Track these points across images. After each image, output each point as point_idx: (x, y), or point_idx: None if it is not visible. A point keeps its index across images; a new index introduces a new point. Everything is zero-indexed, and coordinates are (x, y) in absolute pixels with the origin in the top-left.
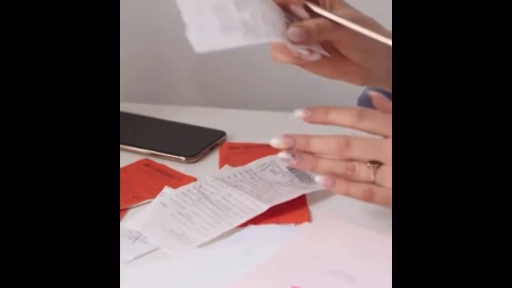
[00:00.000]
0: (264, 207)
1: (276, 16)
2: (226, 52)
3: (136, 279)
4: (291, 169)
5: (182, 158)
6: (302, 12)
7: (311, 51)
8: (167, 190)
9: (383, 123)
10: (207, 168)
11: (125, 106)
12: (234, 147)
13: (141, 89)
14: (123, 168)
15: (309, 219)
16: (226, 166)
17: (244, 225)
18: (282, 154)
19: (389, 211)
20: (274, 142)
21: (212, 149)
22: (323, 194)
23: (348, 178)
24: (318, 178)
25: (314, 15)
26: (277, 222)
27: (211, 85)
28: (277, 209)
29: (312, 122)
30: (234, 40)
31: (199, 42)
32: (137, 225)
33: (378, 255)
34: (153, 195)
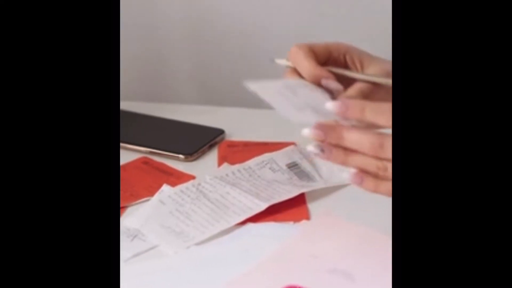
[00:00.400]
0: (262, 206)
1: (322, 97)
2: (225, 51)
3: (134, 277)
4: (290, 167)
5: (181, 156)
6: (335, 85)
7: None
8: (165, 188)
9: None
10: (206, 166)
11: (124, 104)
12: (233, 145)
13: (140, 87)
14: (122, 166)
15: (307, 217)
16: (225, 165)
17: (243, 223)
18: (310, 147)
19: (388, 209)
20: (306, 133)
21: (210, 147)
22: (322, 192)
23: (378, 177)
24: (346, 174)
25: (347, 81)
26: (276, 220)
27: (210, 83)
28: (276, 207)
29: (346, 118)
30: (309, 117)
31: (291, 118)
32: (135, 222)
33: (377, 254)
34: (152, 193)
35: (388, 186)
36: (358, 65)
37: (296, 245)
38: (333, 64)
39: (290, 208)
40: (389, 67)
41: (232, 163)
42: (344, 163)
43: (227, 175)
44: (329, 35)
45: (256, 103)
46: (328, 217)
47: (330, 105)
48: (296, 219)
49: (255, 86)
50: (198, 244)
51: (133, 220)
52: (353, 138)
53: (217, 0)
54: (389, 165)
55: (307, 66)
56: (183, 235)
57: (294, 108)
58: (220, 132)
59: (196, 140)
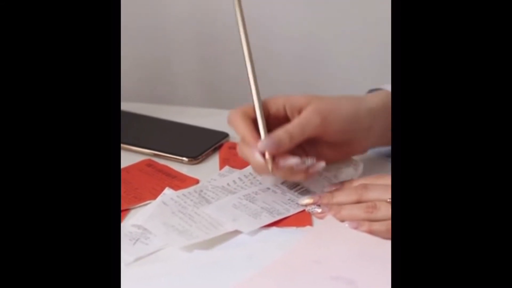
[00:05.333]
0: (265, 222)
1: (281, 195)
2: (230, 53)
3: (137, 281)
4: (291, 188)
5: (185, 159)
6: (294, 161)
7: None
8: (167, 191)
9: (384, 190)
10: (210, 170)
11: (129, 106)
12: (234, 147)
13: (145, 89)
14: (125, 168)
15: (310, 223)
16: (226, 168)
17: None
18: (310, 208)
19: None
20: (304, 201)
21: (215, 150)
22: None
23: (370, 217)
24: (346, 224)
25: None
26: (279, 226)
27: (214, 86)
28: None
29: (319, 204)
30: (266, 220)
31: (242, 228)
32: (138, 219)
33: (380, 260)
34: (155, 196)
35: (379, 224)
36: (296, 113)
37: (299, 251)
38: (274, 119)
39: (293, 214)
40: (325, 106)
41: (234, 166)
42: (336, 215)
43: (228, 184)
44: (334, 36)
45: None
46: (331, 223)
47: (305, 201)
48: (299, 225)
49: (211, 209)
50: (201, 248)
51: (135, 217)
52: (341, 196)
53: (222, 2)
54: (377, 202)
55: (245, 131)
56: (187, 234)
57: (249, 216)
58: (225, 135)
59: (201, 143)
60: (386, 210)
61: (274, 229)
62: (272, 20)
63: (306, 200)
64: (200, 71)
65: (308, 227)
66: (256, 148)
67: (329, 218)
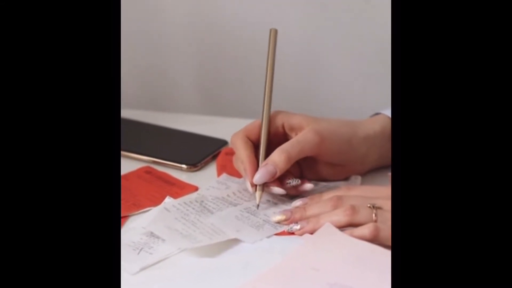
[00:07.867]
0: (268, 233)
1: (282, 207)
2: (229, 60)
3: (135, 286)
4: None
5: (184, 166)
6: (277, 190)
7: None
8: (168, 200)
9: (360, 199)
10: (209, 177)
11: (128, 113)
12: (231, 153)
13: (144, 96)
14: (124, 175)
15: None
16: (224, 176)
17: None
18: (288, 227)
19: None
20: (276, 218)
21: (213, 157)
22: None
23: (351, 220)
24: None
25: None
26: (277, 233)
27: (213, 93)
28: None
29: (292, 221)
30: (268, 231)
31: (245, 238)
32: (142, 223)
33: (379, 268)
34: (154, 203)
35: (361, 231)
36: (295, 133)
37: (298, 258)
38: (273, 136)
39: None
40: (324, 127)
41: (231, 172)
42: (317, 226)
43: (228, 195)
44: (333, 42)
45: (260, 113)
46: (329, 230)
47: (277, 218)
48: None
49: (213, 219)
50: (198, 256)
51: (139, 221)
52: (314, 207)
53: (222, 9)
54: (356, 206)
55: (244, 158)
56: (191, 237)
57: (251, 227)
58: (224, 143)
59: (199, 151)
60: (366, 212)
61: (272, 236)
62: (271, 25)
63: (278, 217)
64: (199, 78)
65: (306, 234)
66: (249, 178)
67: (327, 225)
